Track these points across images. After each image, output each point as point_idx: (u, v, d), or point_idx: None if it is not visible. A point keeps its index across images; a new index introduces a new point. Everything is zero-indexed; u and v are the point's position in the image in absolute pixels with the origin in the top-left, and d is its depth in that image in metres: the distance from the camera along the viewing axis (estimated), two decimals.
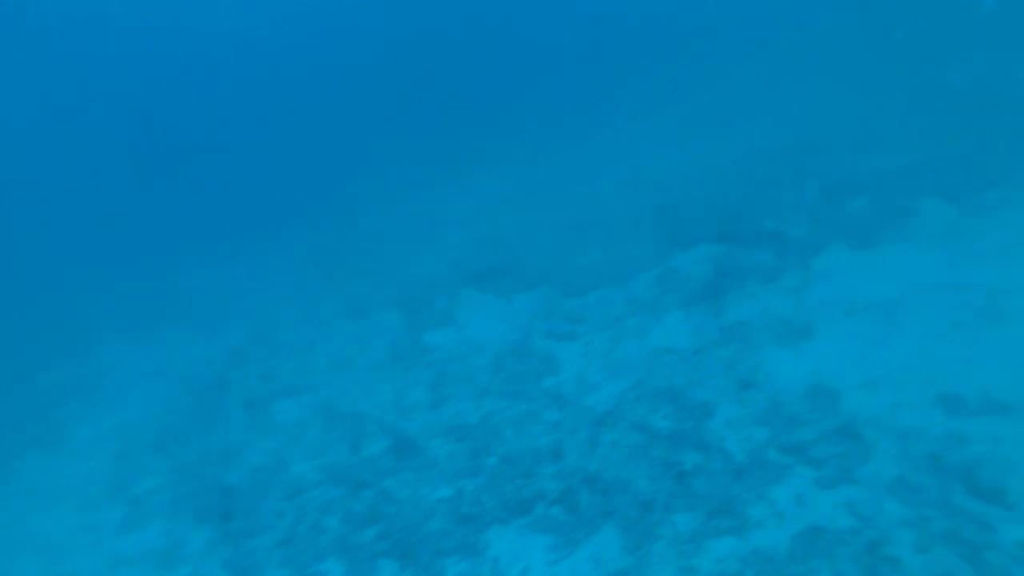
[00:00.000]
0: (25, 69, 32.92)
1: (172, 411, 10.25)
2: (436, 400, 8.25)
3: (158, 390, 11.46)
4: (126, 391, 12.00)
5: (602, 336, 8.50)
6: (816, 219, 9.07)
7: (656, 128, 19.20)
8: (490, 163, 21.72)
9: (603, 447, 6.37)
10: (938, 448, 5.05)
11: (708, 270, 8.72)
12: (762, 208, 9.92)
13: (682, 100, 20.66)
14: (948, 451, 4.96)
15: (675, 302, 8.43)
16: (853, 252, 8.21)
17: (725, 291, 8.20)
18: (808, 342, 7.00)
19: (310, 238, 21.05)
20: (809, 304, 7.50)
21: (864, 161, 10.71)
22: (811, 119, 15.00)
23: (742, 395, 6.60)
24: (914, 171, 9.68)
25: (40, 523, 8.13)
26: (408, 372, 9.24)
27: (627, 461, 6.05)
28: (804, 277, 8.00)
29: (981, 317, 6.44)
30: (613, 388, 7.35)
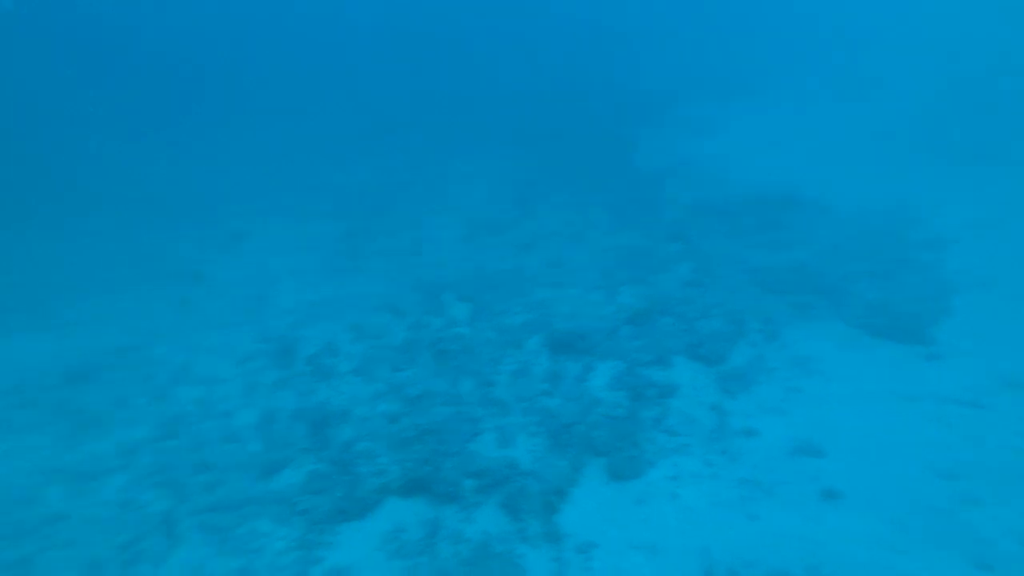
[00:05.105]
0: None
1: None
2: None
3: None
4: None
5: None
6: (548, 424, 5.86)
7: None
8: None
9: None
10: None
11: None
12: (465, 414, 6.11)
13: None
14: None
15: None
16: (614, 485, 5.16)
17: None
18: None
19: None
20: None
21: (579, 305, 8.06)
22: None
23: None
24: (647, 314, 7.44)
25: None
26: None
27: None
28: (557, 561, 4.56)
29: None
30: None
